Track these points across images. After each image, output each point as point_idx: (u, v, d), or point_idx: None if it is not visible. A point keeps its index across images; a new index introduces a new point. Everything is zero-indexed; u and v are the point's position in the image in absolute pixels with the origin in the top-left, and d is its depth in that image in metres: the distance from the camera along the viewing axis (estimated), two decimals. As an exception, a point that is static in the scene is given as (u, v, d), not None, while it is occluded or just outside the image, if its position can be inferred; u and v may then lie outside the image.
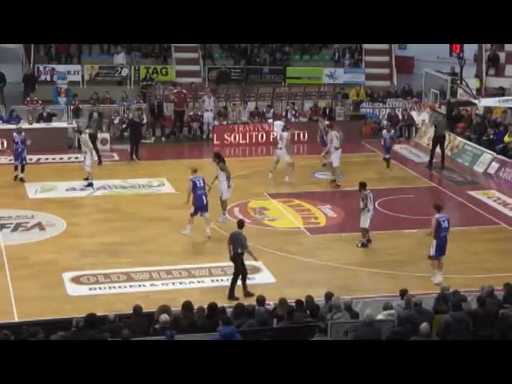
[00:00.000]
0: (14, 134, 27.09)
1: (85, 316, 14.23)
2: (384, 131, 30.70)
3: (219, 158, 23.83)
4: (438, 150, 30.31)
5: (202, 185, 22.23)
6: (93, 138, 29.04)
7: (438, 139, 30.29)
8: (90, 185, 26.59)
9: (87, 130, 29.15)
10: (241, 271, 19.02)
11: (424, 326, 13.70)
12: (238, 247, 18.97)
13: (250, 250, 19.11)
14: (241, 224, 19.56)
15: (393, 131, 31.56)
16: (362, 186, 22.03)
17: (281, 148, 27.72)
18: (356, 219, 22.48)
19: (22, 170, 26.78)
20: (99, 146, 30.12)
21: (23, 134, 27.02)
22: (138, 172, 28.68)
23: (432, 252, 19.86)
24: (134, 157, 30.14)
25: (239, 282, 19.01)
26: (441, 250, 19.85)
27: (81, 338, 13.25)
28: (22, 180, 26.60)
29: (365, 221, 21.88)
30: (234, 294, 18.82)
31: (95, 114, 31.84)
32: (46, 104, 33.14)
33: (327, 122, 29.70)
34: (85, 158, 26.78)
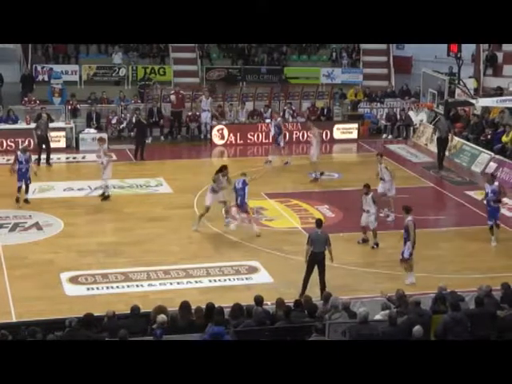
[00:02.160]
0: (19, 152, 25.27)
1: (82, 316, 14.21)
2: (486, 184, 22.83)
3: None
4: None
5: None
6: (42, 138, 29.13)
7: (441, 141, 30.11)
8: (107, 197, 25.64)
9: (38, 132, 29.13)
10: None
11: (417, 329, 13.67)
12: (322, 246, 18.89)
13: (330, 249, 19.00)
14: (319, 223, 19.49)
15: (496, 183, 22.65)
16: (369, 187, 21.94)
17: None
18: (353, 219, 22.48)
19: (27, 191, 25.04)
20: (97, 145, 30.07)
21: (28, 153, 25.34)
22: (135, 172, 28.67)
23: (407, 254, 19.75)
24: (133, 157, 30.19)
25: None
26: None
27: (77, 338, 13.23)
28: (26, 201, 24.92)
29: (374, 221, 21.87)
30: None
31: (44, 115, 30.41)
32: (44, 104, 33.11)
33: (303, 119, 29.70)
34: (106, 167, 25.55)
